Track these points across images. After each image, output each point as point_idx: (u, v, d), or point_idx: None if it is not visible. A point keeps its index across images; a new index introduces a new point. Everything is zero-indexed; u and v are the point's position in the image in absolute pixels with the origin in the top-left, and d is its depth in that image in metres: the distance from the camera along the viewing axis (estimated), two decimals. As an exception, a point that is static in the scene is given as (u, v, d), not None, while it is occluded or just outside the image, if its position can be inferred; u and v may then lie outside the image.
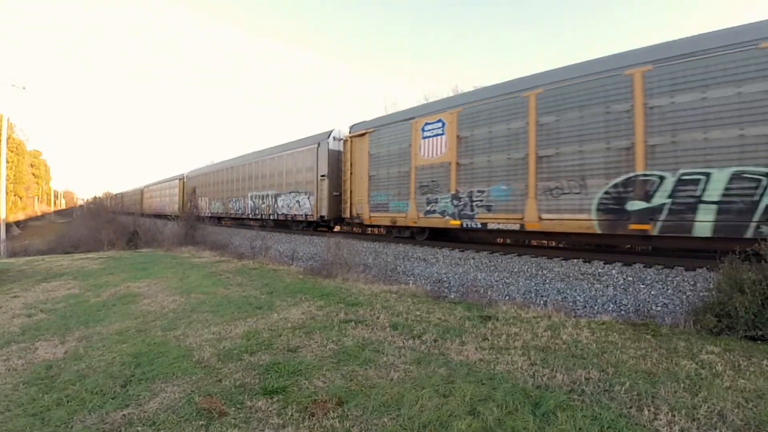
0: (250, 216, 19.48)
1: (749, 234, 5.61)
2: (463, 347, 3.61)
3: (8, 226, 29.88)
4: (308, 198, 14.94)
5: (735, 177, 5.74)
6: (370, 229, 13.85)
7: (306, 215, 15.05)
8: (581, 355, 3.40)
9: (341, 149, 13.65)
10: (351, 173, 12.86)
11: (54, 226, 44.85)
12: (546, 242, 9.97)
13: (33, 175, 66.27)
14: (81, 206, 59.82)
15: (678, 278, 5.90)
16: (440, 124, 9.94)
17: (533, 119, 8.04)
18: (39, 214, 62.19)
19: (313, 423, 2.40)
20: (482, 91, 9.76)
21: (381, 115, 12.89)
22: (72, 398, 2.82)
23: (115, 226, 18.34)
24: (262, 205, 18.19)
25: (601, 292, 6.05)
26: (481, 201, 8.94)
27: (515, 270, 7.46)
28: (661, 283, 5.89)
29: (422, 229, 11.02)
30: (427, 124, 10.27)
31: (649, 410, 2.45)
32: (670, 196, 6.30)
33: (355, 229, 14.57)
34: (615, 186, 6.90)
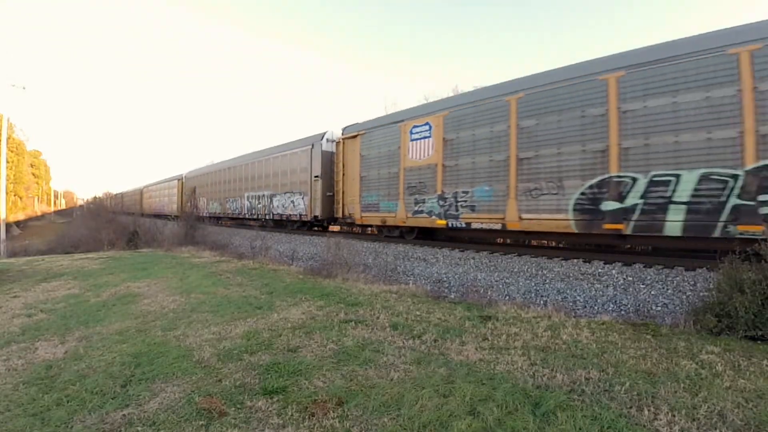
0: (247, 216, 19.64)
1: (717, 233, 5.76)
2: (463, 347, 3.61)
3: (8, 226, 29.89)
4: (302, 198, 15.05)
5: (703, 178, 5.90)
6: (369, 229, 13.90)
7: (300, 215, 15.18)
8: (581, 355, 3.40)
9: (334, 150, 13.76)
10: (343, 174, 12.98)
11: (54, 226, 44.81)
12: (546, 242, 10.01)
13: (33, 175, 66.24)
14: (81, 206, 59.73)
15: (678, 278, 5.91)
16: (427, 127, 10.10)
17: (514, 123, 8.22)
18: (39, 214, 62.14)
19: (313, 423, 2.40)
20: (467, 95, 9.95)
21: (373, 117, 13.01)
22: (72, 398, 2.82)
23: (115, 226, 18.30)
24: (259, 206, 18.32)
25: (601, 292, 6.06)
26: (465, 201, 9.12)
27: (515, 270, 7.46)
28: (661, 283, 5.90)
29: (411, 229, 11.15)
30: (415, 126, 10.44)
31: (649, 410, 2.45)
32: (642, 197, 6.47)
33: (354, 229, 14.61)
34: (590, 187, 7.07)
